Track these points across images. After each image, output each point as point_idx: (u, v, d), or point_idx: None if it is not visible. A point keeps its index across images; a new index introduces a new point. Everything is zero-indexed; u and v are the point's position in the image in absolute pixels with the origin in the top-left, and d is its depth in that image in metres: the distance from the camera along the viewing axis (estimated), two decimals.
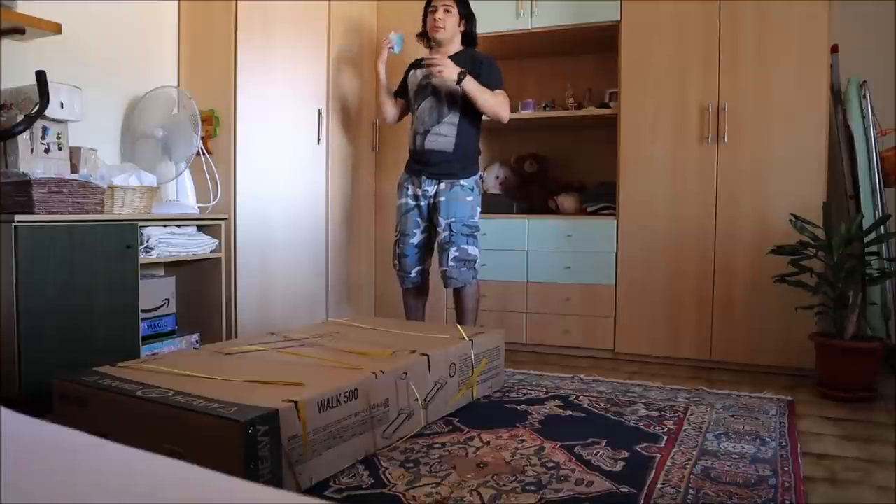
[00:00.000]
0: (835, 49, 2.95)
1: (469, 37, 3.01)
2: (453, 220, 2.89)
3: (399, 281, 3.05)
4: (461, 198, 2.90)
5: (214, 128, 2.91)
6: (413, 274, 3.00)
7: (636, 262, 3.20)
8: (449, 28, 2.91)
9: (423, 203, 2.97)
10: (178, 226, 2.65)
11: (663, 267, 3.15)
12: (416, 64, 3.05)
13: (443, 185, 2.91)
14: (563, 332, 3.36)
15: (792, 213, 2.78)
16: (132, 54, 2.85)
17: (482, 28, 3.46)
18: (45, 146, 2.37)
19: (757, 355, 2.99)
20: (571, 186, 3.69)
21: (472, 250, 2.92)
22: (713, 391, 2.64)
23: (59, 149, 2.43)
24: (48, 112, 2.27)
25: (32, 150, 2.33)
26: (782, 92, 2.91)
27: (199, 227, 2.76)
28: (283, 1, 3.10)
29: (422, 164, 2.95)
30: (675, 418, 2.26)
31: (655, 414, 2.31)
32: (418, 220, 2.99)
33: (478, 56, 2.97)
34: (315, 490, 1.65)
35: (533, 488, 1.66)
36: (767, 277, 2.87)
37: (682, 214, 3.11)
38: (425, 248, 3.02)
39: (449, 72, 2.76)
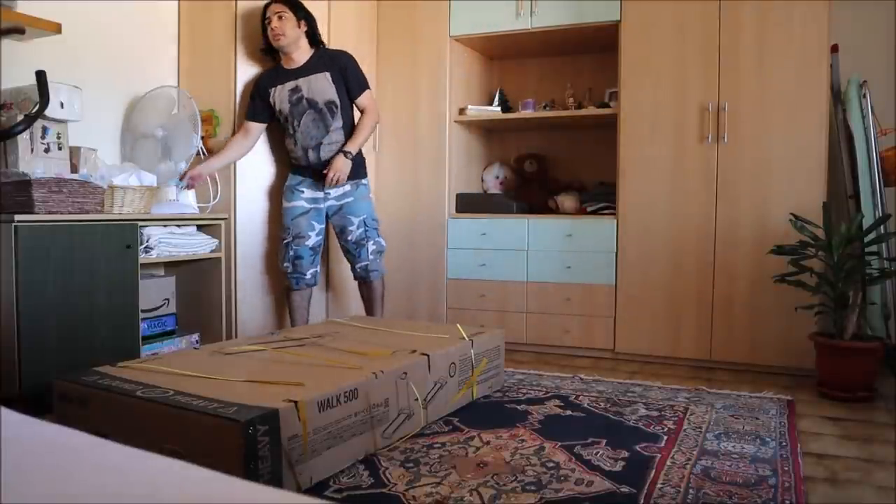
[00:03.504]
0: (835, 49, 2.95)
1: (313, 36, 2.96)
2: (365, 216, 3.04)
3: (293, 283, 2.99)
4: (366, 196, 3.08)
5: (214, 128, 2.91)
6: (308, 276, 3.00)
7: (636, 262, 3.20)
8: (289, 33, 2.85)
9: (322, 206, 3.01)
10: (178, 226, 2.65)
11: (663, 267, 3.15)
12: (268, 81, 2.93)
13: (349, 187, 3.00)
14: (563, 331, 3.36)
15: (792, 213, 2.78)
16: (132, 54, 2.85)
17: (482, 28, 3.48)
18: (45, 146, 2.38)
19: (757, 355, 2.99)
20: (571, 186, 3.69)
21: (383, 242, 3.13)
22: (713, 391, 2.64)
23: (59, 149, 2.43)
24: (48, 112, 2.27)
25: (32, 150, 2.33)
26: (782, 92, 2.91)
27: (199, 227, 2.76)
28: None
29: (322, 170, 2.93)
30: (675, 418, 2.26)
31: (655, 414, 2.31)
32: (314, 222, 2.99)
33: (337, 59, 2.97)
34: (315, 490, 1.65)
35: (533, 488, 1.66)
36: (767, 277, 2.87)
37: (682, 214, 3.10)
38: (318, 250, 3.05)
39: (346, 169, 2.90)
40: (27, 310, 2.06)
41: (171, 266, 2.89)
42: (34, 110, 2.21)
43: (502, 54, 3.93)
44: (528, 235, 3.42)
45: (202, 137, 2.83)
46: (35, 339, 2.08)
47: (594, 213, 3.39)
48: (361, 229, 3.02)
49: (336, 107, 2.93)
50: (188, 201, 2.80)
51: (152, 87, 2.87)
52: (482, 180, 3.91)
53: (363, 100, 3.01)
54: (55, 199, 2.16)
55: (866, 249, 2.63)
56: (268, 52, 2.96)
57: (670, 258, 3.13)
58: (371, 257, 3.04)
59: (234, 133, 2.94)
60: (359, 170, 3.02)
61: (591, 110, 3.44)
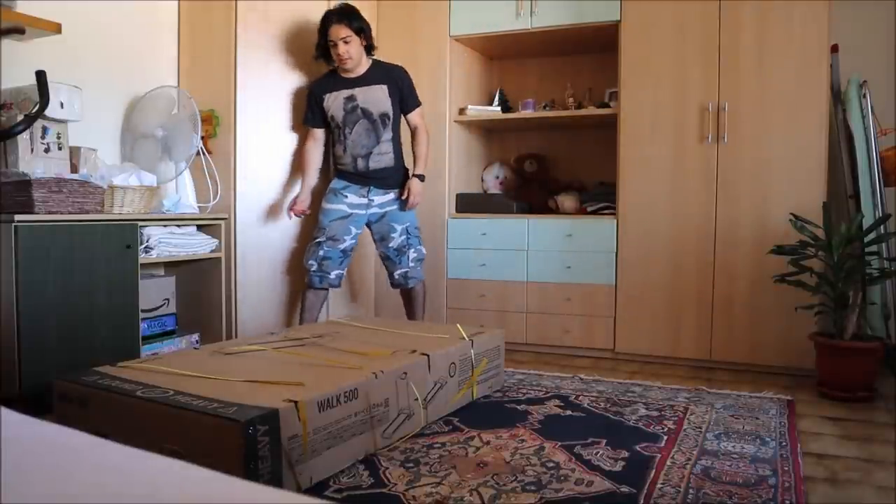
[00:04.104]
0: (835, 49, 2.95)
1: (368, 46, 3.03)
2: (408, 224, 3.11)
3: (316, 281, 3.01)
4: None
5: (214, 128, 2.91)
6: (333, 276, 3.03)
7: (636, 262, 3.20)
8: (355, 55, 2.94)
9: (365, 212, 3.07)
10: (178, 226, 2.65)
11: (663, 267, 3.15)
12: (324, 87, 3.03)
13: (392, 195, 3.08)
14: (563, 331, 3.36)
15: (792, 213, 2.78)
16: (132, 54, 2.85)
17: (482, 28, 3.49)
18: (45, 146, 2.38)
19: (757, 355, 2.99)
20: (571, 186, 3.69)
21: (423, 250, 3.18)
22: (713, 391, 2.64)
23: (59, 149, 2.43)
24: (48, 112, 2.27)
25: (32, 150, 2.33)
26: (782, 92, 2.91)
27: (199, 227, 2.76)
28: (282, 1, 3.10)
29: (368, 178, 3.04)
30: (675, 418, 2.26)
31: (655, 414, 2.31)
32: (351, 227, 3.05)
33: (394, 74, 3.05)
34: (315, 490, 1.65)
35: (533, 488, 1.66)
36: (767, 277, 2.87)
37: (682, 214, 3.10)
38: (348, 254, 3.08)
39: (423, 192, 3.09)
40: (27, 310, 2.06)
41: (171, 266, 2.89)
42: (34, 110, 2.21)
43: (502, 54, 3.93)
44: (528, 235, 3.42)
45: (202, 137, 2.83)
46: (35, 339, 2.08)
47: (594, 213, 3.39)
48: (404, 237, 3.08)
49: (388, 119, 3.01)
50: (188, 201, 2.80)
51: (152, 87, 2.87)
52: (482, 180, 3.91)
53: (415, 115, 3.12)
54: (55, 199, 2.16)
55: (866, 249, 2.63)
56: (322, 57, 3.03)
57: (670, 258, 3.13)
58: (412, 264, 3.09)
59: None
60: (400, 178, 3.10)
61: (591, 110, 3.44)
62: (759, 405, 2.43)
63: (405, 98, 3.06)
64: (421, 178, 3.08)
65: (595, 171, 3.69)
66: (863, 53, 3.16)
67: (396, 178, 3.08)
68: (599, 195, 3.43)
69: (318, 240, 3.02)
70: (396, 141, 3.07)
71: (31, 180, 2.11)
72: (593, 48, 3.64)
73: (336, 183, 3.08)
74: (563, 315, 3.35)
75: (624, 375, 2.93)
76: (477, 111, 3.62)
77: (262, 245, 3.06)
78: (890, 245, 2.94)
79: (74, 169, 2.48)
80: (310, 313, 3.06)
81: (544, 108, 3.66)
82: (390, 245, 3.07)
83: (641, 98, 3.17)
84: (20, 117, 2.23)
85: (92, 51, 2.68)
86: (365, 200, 3.05)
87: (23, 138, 2.28)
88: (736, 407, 2.40)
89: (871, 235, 2.65)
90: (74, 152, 2.51)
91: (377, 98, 2.99)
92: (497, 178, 3.84)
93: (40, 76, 2.20)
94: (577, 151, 3.83)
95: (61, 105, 2.39)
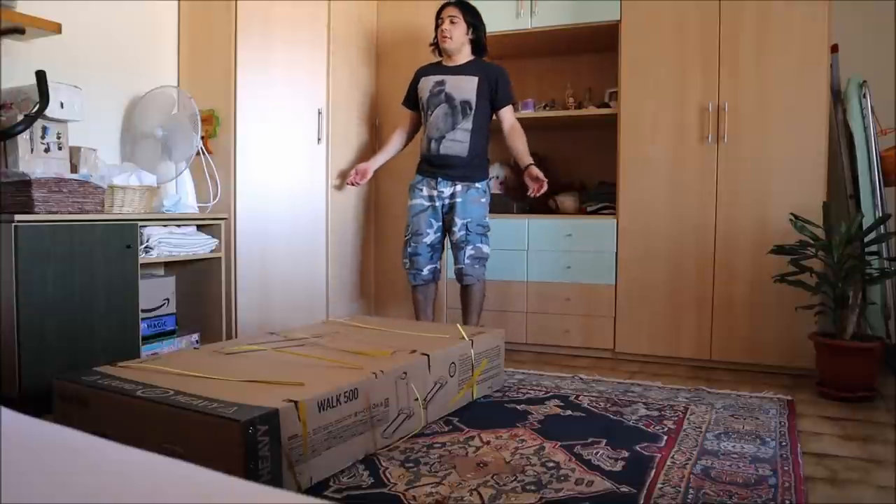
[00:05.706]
0: (835, 49, 2.95)
1: (477, 45, 3.12)
2: (469, 220, 3.06)
3: (411, 279, 3.12)
4: (476, 199, 3.08)
5: (214, 128, 2.91)
6: (425, 272, 3.10)
7: (636, 261, 3.20)
8: (456, 38, 3.04)
9: (437, 204, 3.09)
10: (178, 225, 2.65)
11: (663, 267, 3.15)
12: (424, 71, 3.15)
13: (459, 188, 3.07)
14: (563, 331, 3.36)
15: (792, 213, 2.78)
16: (132, 54, 2.85)
17: None
18: (45, 146, 2.38)
19: (757, 355, 2.99)
20: (571, 186, 3.69)
21: (486, 249, 3.10)
22: (713, 391, 2.64)
23: (59, 148, 2.43)
24: (48, 112, 2.27)
25: (32, 150, 2.33)
26: (782, 92, 2.91)
27: (199, 227, 2.76)
28: (283, 0, 3.10)
29: (437, 167, 3.07)
30: (675, 418, 2.26)
31: (655, 414, 2.31)
32: (431, 220, 3.09)
33: (491, 70, 3.11)
34: (315, 490, 1.65)
35: (533, 488, 1.66)
36: (767, 277, 2.87)
37: (682, 214, 3.10)
38: (437, 248, 3.13)
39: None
40: (27, 310, 2.06)
41: (171, 266, 2.89)
42: (34, 110, 2.21)
43: (502, 54, 3.91)
44: (528, 235, 3.42)
45: (202, 137, 2.83)
46: (35, 339, 2.08)
47: (594, 213, 3.39)
48: (463, 232, 3.05)
49: (470, 108, 3.03)
50: (188, 201, 2.80)
51: (152, 87, 2.87)
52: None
53: (507, 111, 3.14)
54: (55, 199, 2.16)
55: (866, 249, 2.63)
56: (435, 45, 3.14)
57: (670, 258, 3.13)
58: (467, 261, 3.04)
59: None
60: (474, 172, 3.08)
61: (591, 110, 3.44)
62: (759, 405, 2.43)
63: (498, 93, 3.07)
64: (534, 166, 3.06)
65: (595, 171, 3.69)
66: (863, 53, 3.16)
67: (466, 171, 3.05)
68: (599, 195, 3.43)
69: (405, 237, 3.13)
70: (476, 133, 3.04)
71: (31, 180, 2.11)
72: (593, 48, 3.64)
73: (414, 178, 3.16)
74: (563, 315, 3.35)
75: (624, 375, 2.93)
76: None
77: (262, 245, 3.06)
78: (890, 245, 2.94)
79: (74, 169, 2.48)
80: (421, 311, 3.14)
81: (544, 108, 3.66)
82: (452, 239, 3.10)
83: (641, 98, 3.17)
84: (20, 117, 2.23)
85: (92, 51, 2.68)
86: (435, 192, 3.09)
87: (23, 138, 2.28)
88: (736, 407, 2.40)
89: (871, 235, 2.65)
90: (74, 152, 2.51)
91: (464, 86, 3.04)
92: (497, 178, 3.83)
93: (40, 76, 2.20)
94: (577, 151, 3.83)
95: (61, 105, 2.39)
